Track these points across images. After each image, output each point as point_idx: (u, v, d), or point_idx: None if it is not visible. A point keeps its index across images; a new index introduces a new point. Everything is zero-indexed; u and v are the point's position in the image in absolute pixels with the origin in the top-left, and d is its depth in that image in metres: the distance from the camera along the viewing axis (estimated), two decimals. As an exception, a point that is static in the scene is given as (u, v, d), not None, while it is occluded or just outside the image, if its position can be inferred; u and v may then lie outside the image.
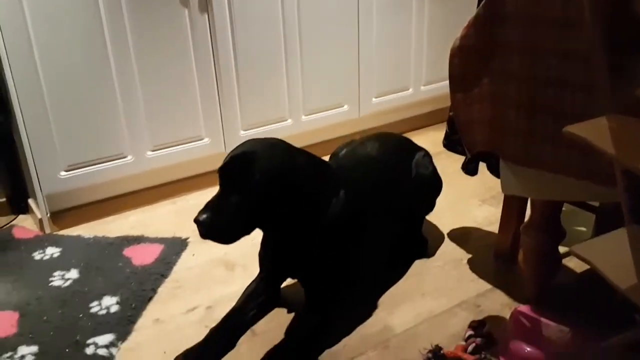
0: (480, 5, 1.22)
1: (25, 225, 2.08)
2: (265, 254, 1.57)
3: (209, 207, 1.28)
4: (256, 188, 1.27)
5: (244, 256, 1.79)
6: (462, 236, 1.89)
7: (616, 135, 0.88)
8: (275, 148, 1.36)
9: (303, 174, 1.35)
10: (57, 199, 1.99)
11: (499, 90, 1.23)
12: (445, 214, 1.97)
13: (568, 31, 1.07)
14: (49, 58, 1.83)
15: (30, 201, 2.11)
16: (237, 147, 1.38)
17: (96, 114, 1.96)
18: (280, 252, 1.50)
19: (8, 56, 1.76)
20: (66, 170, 1.97)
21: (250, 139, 1.41)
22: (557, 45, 1.10)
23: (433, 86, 2.73)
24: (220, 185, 1.32)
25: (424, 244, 1.82)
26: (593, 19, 0.84)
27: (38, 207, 2.00)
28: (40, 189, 1.94)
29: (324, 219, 1.40)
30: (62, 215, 2.03)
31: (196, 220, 1.26)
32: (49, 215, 1.99)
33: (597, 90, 1.03)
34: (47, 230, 2.01)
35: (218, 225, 1.26)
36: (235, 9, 2.09)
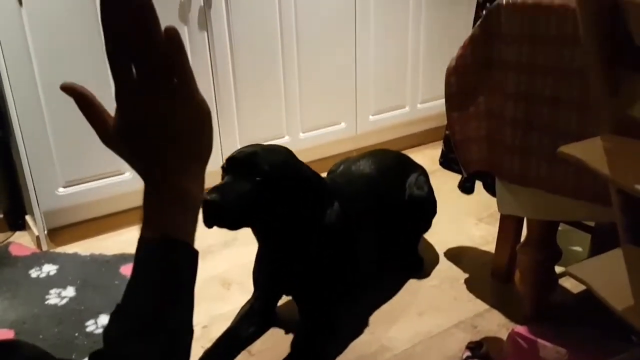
0: (476, 25, 1.24)
1: (22, 242, 2.07)
2: (260, 271, 1.56)
3: (216, 189, 1.29)
4: (263, 178, 1.30)
5: (241, 274, 1.78)
6: (459, 255, 1.89)
7: (611, 155, 0.88)
8: (281, 149, 1.43)
9: (305, 174, 1.39)
10: (54, 216, 1.98)
11: (495, 109, 1.24)
12: (441, 233, 1.97)
13: (563, 50, 1.09)
14: (49, 74, 1.83)
15: (28, 218, 2.11)
16: (245, 146, 1.43)
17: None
18: (275, 265, 1.50)
19: (8, 71, 1.77)
20: (64, 187, 1.97)
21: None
22: (552, 65, 1.11)
23: (429, 104, 2.74)
24: (227, 174, 1.34)
25: (420, 262, 1.81)
26: (588, 39, 0.85)
27: (35, 224, 1.99)
28: (38, 205, 1.93)
29: (319, 228, 1.42)
30: (60, 232, 2.02)
31: (204, 202, 1.25)
32: (46, 232, 1.99)
33: (592, 110, 1.04)
34: (44, 248, 2.00)
35: (225, 205, 1.26)
36: (234, 26, 2.11)
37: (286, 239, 1.41)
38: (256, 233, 1.43)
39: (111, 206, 2.07)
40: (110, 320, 0.56)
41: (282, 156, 1.37)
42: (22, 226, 2.15)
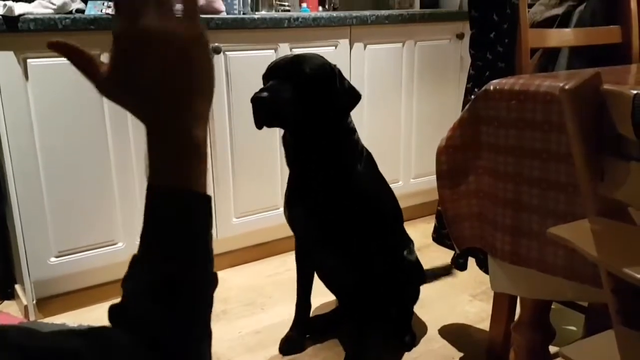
0: (465, 108, 1.29)
1: (9, 312, 2.04)
2: (292, 202, 1.65)
3: (265, 89, 1.42)
4: (305, 80, 1.44)
5: (230, 348, 1.75)
6: (453, 333, 1.86)
7: (599, 237, 0.90)
8: (319, 56, 1.55)
9: (343, 85, 1.52)
10: (44, 286, 1.96)
11: (485, 189, 1.27)
12: (435, 309, 1.95)
13: (550, 135, 1.13)
14: (49, 144, 1.87)
15: (17, 287, 2.08)
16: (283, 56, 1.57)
17: (92, 201, 1.98)
18: (307, 183, 1.58)
19: (9, 142, 1.80)
20: (56, 257, 1.96)
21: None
22: (540, 148, 1.14)
23: (422, 179, 2.79)
24: (270, 79, 1.47)
25: (412, 337, 1.79)
26: (573, 129, 0.88)
27: (25, 294, 1.96)
28: (29, 274, 1.92)
29: (352, 177, 1.56)
30: (49, 302, 1.99)
31: (254, 98, 1.39)
32: (35, 301, 1.96)
33: (580, 192, 1.06)
34: (32, 317, 1.97)
35: (274, 101, 1.40)
36: (232, 99, 2.17)
37: (319, 147, 1.52)
38: (292, 140, 1.55)
39: (103, 276, 2.06)
40: (127, 273, 0.53)
41: (320, 61, 1.51)
42: (11, 295, 2.12)
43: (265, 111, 1.41)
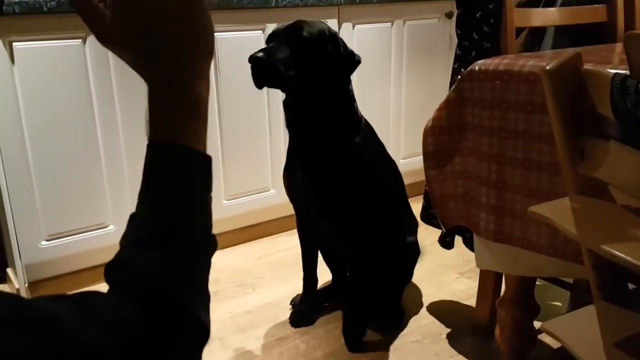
0: (451, 89, 1.30)
1: (1, 295, 2.05)
2: (290, 170, 1.67)
3: (262, 50, 1.45)
4: (304, 44, 1.47)
5: (222, 329, 1.77)
6: (441, 309, 1.90)
7: (579, 215, 0.92)
8: (319, 23, 1.57)
9: (344, 49, 1.55)
10: (36, 269, 1.97)
11: (470, 169, 1.29)
12: (424, 287, 1.98)
13: (533, 115, 1.14)
14: (37, 127, 1.87)
15: (9, 270, 2.09)
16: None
17: (81, 184, 1.99)
18: (305, 150, 1.61)
19: (-4, 127, 1.80)
20: (47, 240, 1.96)
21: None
22: (523, 129, 1.16)
23: (411, 160, 2.80)
24: (270, 42, 1.51)
25: (401, 314, 1.82)
26: (553, 109, 0.90)
27: (16, 277, 1.98)
28: (20, 258, 1.92)
29: (351, 142, 1.59)
30: (41, 285, 2.00)
31: (251, 57, 1.41)
32: (27, 285, 1.97)
33: (561, 171, 1.08)
34: (24, 301, 1.98)
35: (271, 61, 1.43)
36: (221, 81, 2.17)
37: (318, 111, 1.55)
38: (291, 103, 1.58)
39: (94, 259, 2.07)
40: (126, 230, 0.53)
41: (320, 26, 1.54)
42: (3, 279, 2.13)
43: (260, 70, 1.44)
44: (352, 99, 1.62)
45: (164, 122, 0.54)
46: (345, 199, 1.59)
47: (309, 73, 1.49)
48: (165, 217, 0.52)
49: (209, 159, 0.56)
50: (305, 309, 1.84)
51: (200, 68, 0.56)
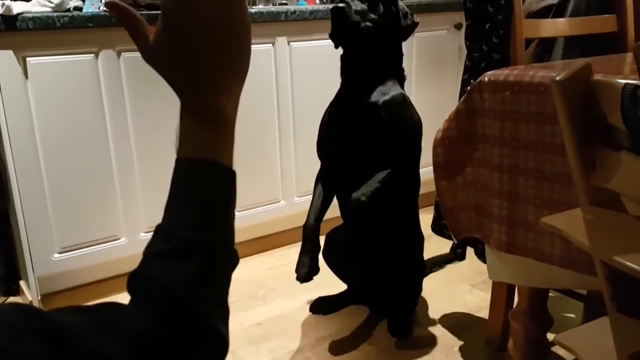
0: (461, 100, 1.30)
1: (14, 308, 2.06)
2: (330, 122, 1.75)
3: (341, 3, 1.60)
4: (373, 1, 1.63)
5: (234, 341, 1.77)
6: (453, 322, 1.88)
7: (591, 226, 0.91)
8: None
9: (405, 12, 1.69)
10: (49, 281, 1.99)
11: (481, 180, 1.28)
12: (436, 299, 1.97)
13: (544, 126, 1.14)
14: (50, 141, 1.89)
15: (22, 283, 2.11)
16: None
17: (94, 197, 2.00)
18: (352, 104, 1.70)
19: (10, 140, 1.82)
20: (60, 252, 1.98)
21: None
22: (534, 139, 1.16)
23: (421, 170, 2.79)
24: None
25: (408, 327, 1.82)
26: (564, 120, 0.90)
27: (29, 289, 1.99)
28: (33, 271, 1.94)
29: (395, 98, 1.69)
30: (53, 297, 2.02)
31: (334, 7, 1.59)
32: (39, 297, 1.98)
33: (573, 182, 1.08)
34: (37, 313, 1.99)
35: (350, 13, 1.58)
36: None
37: (372, 65, 1.66)
38: (350, 57, 1.68)
39: (106, 271, 2.08)
40: (150, 240, 0.54)
41: None
42: (16, 291, 2.15)
43: (340, 20, 1.59)
44: (401, 57, 1.74)
45: (194, 139, 0.56)
46: (375, 158, 1.67)
47: (377, 27, 1.62)
48: (189, 230, 0.53)
49: (233, 175, 0.58)
50: (311, 253, 1.69)
51: (232, 91, 0.58)
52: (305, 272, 1.64)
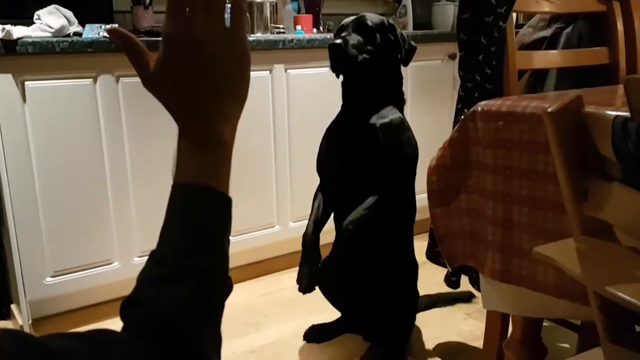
0: (455, 128, 1.31)
1: (4, 332, 2.03)
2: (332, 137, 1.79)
3: (337, 38, 1.64)
4: (370, 31, 1.66)
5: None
6: (448, 350, 1.87)
7: (583, 256, 0.92)
8: (378, 15, 1.75)
9: (402, 37, 1.73)
10: (40, 305, 1.97)
11: (475, 207, 1.29)
12: (430, 327, 1.96)
13: (537, 155, 1.15)
14: (46, 164, 1.89)
15: (13, 307, 2.08)
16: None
17: (88, 221, 2.00)
18: (352, 122, 1.73)
19: (6, 163, 1.82)
20: (52, 276, 1.96)
21: None
22: (528, 168, 1.17)
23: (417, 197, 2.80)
24: (340, 33, 1.69)
25: (403, 355, 1.80)
26: (556, 151, 0.91)
27: (20, 313, 1.97)
28: (25, 295, 1.92)
29: (393, 120, 1.72)
30: (45, 322, 1.99)
31: (330, 44, 1.62)
32: (30, 321, 1.96)
33: (566, 211, 1.08)
34: (27, 338, 1.97)
35: (347, 48, 1.61)
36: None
37: (372, 90, 1.71)
38: (351, 81, 1.72)
39: (99, 296, 2.06)
40: (145, 265, 0.54)
41: (380, 17, 1.73)
42: (7, 315, 2.12)
43: (339, 56, 1.62)
44: (400, 81, 1.79)
45: (191, 165, 0.57)
46: (373, 175, 1.68)
47: (374, 57, 1.66)
48: (183, 256, 0.53)
49: (229, 202, 0.59)
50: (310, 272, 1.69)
51: (230, 116, 0.59)
52: (306, 282, 1.65)
